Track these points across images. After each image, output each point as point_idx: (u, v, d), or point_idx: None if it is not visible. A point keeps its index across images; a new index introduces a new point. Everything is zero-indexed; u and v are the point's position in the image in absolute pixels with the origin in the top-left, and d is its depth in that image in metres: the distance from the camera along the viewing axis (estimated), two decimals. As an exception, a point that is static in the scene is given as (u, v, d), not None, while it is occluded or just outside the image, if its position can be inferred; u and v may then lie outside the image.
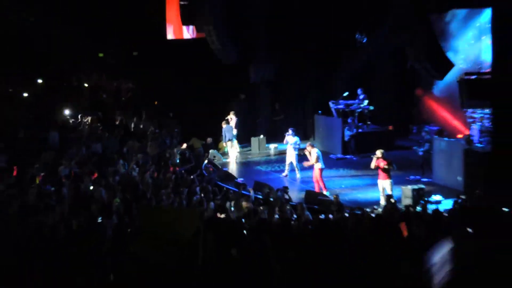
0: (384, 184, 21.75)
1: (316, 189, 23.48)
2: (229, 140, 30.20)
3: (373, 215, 18.80)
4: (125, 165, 24.70)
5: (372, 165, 22.06)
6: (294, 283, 10.02)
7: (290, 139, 26.27)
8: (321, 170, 23.67)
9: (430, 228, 13.58)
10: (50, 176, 23.01)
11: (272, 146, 31.68)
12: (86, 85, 38.18)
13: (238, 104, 33.45)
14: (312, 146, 24.13)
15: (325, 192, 23.16)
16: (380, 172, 21.85)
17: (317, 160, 23.58)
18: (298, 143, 26.40)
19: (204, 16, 31.38)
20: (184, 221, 10.14)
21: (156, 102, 36.50)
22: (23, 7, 33.48)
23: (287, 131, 26.86)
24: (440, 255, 8.41)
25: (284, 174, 26.43)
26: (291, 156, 26.30)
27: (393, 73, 32.15)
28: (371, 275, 10.10)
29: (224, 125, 30.19)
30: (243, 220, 16.21)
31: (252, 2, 32.49)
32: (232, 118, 30.81)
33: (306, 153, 24.03)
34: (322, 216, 17.33)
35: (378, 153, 21.93)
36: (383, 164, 21.71)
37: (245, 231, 13.85)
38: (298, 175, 26.01)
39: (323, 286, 10.00)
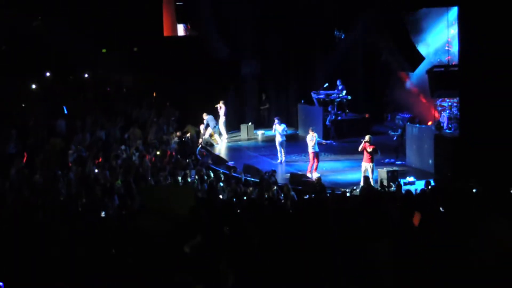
0: (367, 167, 21.57)
1: (309, 170, 23.37)
2: (213, 128, 29.93)
3: (348, 194, 18.77)
4: (126, 150, 24.50)
5: (360, 147, 21.88)
6: (280, 257, 9.76)
7: (278, 127, 25.94)
8: (313, 153, 23.48)
9: (403, 207, 13.39)
10: (58, 161, 22.82)
11: (260, 132, 31.45)
12: (90, 78, 37.95)
13: (229, 94, 33.20)
14: (312, 131, 23.92)
15: (314, 174, 22.98)
16: (365, 155, 21.66)
17: (313, 144, 23.45)
18: (285, 129, 26.11)
19: (197, 16, 31.31)
20: (180, 197, 10.01)
21: (154, 93, 36.25)
22: (32, 8, 33.19)
23: (274, 120, 26.55)
24: None
25: (278, 161, 25.94)
26: (278, 143, 26.01)
27: (368, 66, 31.94)
28: (349, 249, 9.88)
29: (205, 116, 29.80)
30: (234, 200, 16.05)
31: (239, 5, 32.32)
32: (221, 106, 30.48)
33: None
34: (306, 197, 17.18)
35: (367, 137, 21.80)
36: (369, 148, 21.55)
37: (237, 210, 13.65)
38: (282, 158, 25.77)
39: (309, 258, 9.75)
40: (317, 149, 23.61)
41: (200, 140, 29.12)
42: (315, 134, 23.81)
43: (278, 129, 25.79)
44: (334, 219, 12.06)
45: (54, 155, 23.39)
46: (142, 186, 18.17)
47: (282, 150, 25.84)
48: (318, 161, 23.62)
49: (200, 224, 10.40)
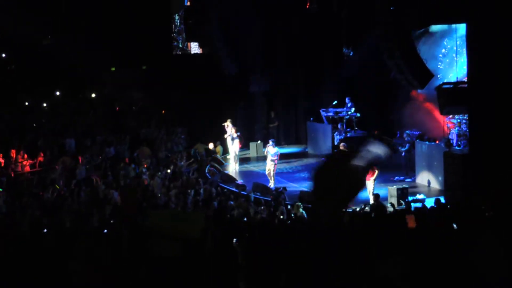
0: (368, 184, 21.53)
1: None
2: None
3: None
4: (136, 168, 24.51)
5: None
6: (293, 277, 9.75)
7: (271, 149, 25.30)
8: None
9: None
10: (67, 180, 22.87)
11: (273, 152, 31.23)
12: (99, 96, 38.04)
13: (238, 112, 33.24)
14: (345, 147, 23.72)
15: None
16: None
17: None
18: (277, 153, 25.37)
19: (207, 34, 31.45)
20: (190, 223, 9.98)
21: (163, 111, 36.30)
22: (42, 26, 33.36)
23: (268, 142, 26.20)
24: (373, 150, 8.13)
25: (270, 184, 24.96)
26: (269, 166, 25.20)
27: (377, 83, 31.90)
28: (363, 270, 9.83)
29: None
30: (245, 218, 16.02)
31: (248, 22, 32.46)
32: (228, 125, 30.26)
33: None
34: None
35: None
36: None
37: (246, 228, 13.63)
38: (271, 184, 24.86)
39: (320, 278, 9.72)
40: None
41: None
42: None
43: (271, 152, 25.20)
44: (346, 237, 12.02)
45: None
46: (150, 211, 18.05)
47: (272, 175, 25.10)
48: None
49: (210, 244, 10.41)
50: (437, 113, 26.17)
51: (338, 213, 7.88)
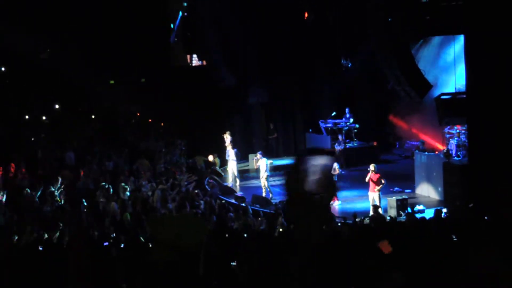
0: (374, 196, 21.43)
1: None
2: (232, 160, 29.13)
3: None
4: (135, 181, 24.46)
5: (367, 178, 21.72)
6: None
7: (261, 162, 25.31)
8: None
9: (414, 236, 13.29)
10: (68, 193, 22.81)
11: (268, 162, 31.22)
12: (98, 109, 38.03)
13: (236, 124, 33.23)
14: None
15: (336, 202, 22.90)
16: (371, 185, 21.54)
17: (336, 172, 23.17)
18: (266, 163, 25.30)
19: (204, 46, 31.47)
20: (190, 228, 9.95)
21: (162, 124, 36.30)
22: (41, 40, 33.39)
23: (256, 155, 26.10)
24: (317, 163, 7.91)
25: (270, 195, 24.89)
26: (262, 178, 25.18)
27: (376, 94, 31.95)
28: (363, 282, 9.78)
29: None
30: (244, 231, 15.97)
31: (246, 34, 32.51)
32: (227, 137, 30.14)
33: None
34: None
35: (371, 167, 21.66)
36: (374, 177, 21.41)
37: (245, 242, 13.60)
38: (271, 194, 24.81)
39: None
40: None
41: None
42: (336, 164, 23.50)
43: (260, 164, 25.23)
44: (346, 250, 11.97)
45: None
46: (151, 217, 18.08)
47: (267, 186, 24.98)
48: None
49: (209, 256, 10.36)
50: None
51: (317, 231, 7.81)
